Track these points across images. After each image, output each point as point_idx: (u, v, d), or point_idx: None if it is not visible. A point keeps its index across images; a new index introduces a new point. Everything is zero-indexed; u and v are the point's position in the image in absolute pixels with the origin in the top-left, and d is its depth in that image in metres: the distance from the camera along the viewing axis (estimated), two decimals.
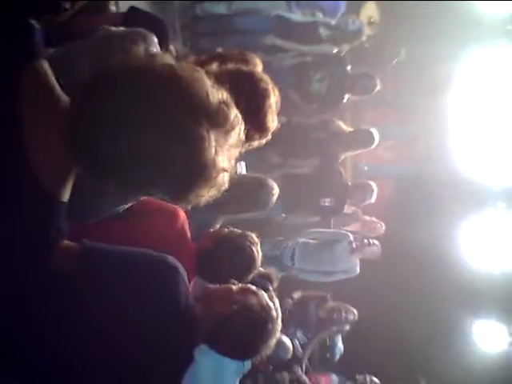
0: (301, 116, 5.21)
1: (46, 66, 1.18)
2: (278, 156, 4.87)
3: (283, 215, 5.02)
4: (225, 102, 1.09)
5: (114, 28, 2.09)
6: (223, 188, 1.14)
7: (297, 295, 5.29)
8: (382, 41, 6.20)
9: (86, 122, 1.07)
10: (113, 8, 3.02)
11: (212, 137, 1.06)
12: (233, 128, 1.09)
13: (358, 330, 5.22)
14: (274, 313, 1.62)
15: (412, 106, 6.68)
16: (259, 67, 2.68)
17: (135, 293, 1.41)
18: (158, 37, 2.26)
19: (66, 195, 1.20)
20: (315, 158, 4.99)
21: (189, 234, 2.26)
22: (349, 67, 5.29)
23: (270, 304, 1.62)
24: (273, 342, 1.62)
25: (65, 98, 1.17)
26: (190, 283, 1.63)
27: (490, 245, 5.91)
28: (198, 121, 1.05)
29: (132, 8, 2.69)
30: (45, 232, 1.18)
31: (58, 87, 1.18)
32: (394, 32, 6.31)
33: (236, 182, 3.72)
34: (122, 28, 2.09)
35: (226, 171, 1.11)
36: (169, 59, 1.10)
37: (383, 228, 5.40)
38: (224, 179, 1.12)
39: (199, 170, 1.07)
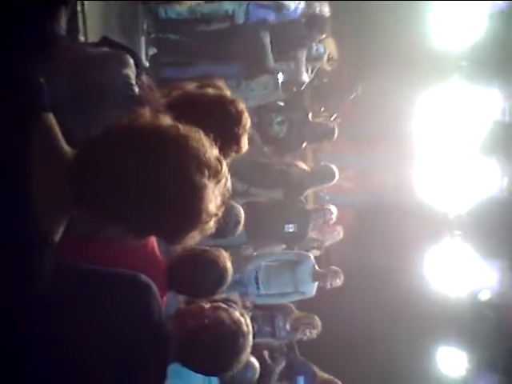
0: (263, 157, 5.40)
1: (52, 118, 1.28)
2: (242, 184, 5.00)
3: (248, 248, 5.10)
4: (218, 158, 1.26)
5: (90, 49, 2.14)
6: (210, 231, 1.28)
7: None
8: (340, 77, 6.45)
9: (97, 179, 1.21)
10: (81, 38, 3.09)
11: (210, 187, 1.22)
12: (223, 178, 1.26)
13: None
14: (245, 328, 1.68)
15: (369, 138, 6.91)
16: (228, 92, 2.81)
17: (108, 311, 1.45)
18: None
19: (58, 236, 1.28)
20: (278, 189, 5.17)
21: (158, 251, 2.30)
22: (310, 115, 5.54)
23: (241, 319, 1.68)
24: (244, 357, 1.67)
25: (67, 148, 1.28)
26: (162, 299, 1.67)
27: (447, 271, 6.07)
28: (202, 172, 1.21)
29: (104, 38, 2.76)
30: (33, 270, 1.25)
31: (62, 138, 1.29)
32: (352, 68, 6.58)
33: None
34: (98, 49, 2.15)
35: (216, 216, 1.26)
36: (169, 119, 1.25)
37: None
38: (212, 224, 1.27)
39: (196, 215, 1.22)
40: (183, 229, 1.25)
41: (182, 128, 1.24)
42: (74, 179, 1.22)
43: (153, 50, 5.23)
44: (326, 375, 5.14)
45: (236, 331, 1.65)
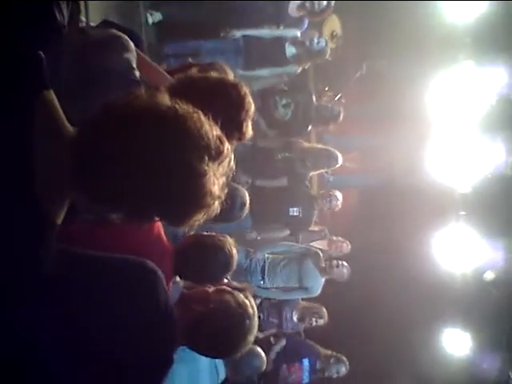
0: (266, 140, 5.36)
1: (53, 95, 1.26)
2: (246, 176, 4.98)
3: (253, 232, 5.09)
4: (219, 137, 1.24)
5: (91, 31, 2.12)
6: (215, 213, 1.27)
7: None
8: (344, 54, 6.37)
9: (96, 160, 1.19)
10: (83, 20, 3.06)
11: (211, 170, 1.20)
12: (225, 159, 1.24)
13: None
14: (251, 310, 1.69)
15: (374, 118, 6.85)
16: (230, 73, 2.79)
17: (115, 297, 1.45)
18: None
19: (60, 219, 1.27)
20: (283, 178, 5.13)
21: (164, 237, 2.30)
22: (314, 98, 5.46)
23: (246, 301, 1.68)
24: (251, 338, 1.68)
25: (68, 126, 1.27)
26: (168, 285, 1.67)
27: (452, 251, 6.05)
28: (201, 157, 1.19)
29: (105, 21, 2.74)
30: (34, 251, 1.24)
31: (63, 116, 1.27)
32: (356, 46, 6.49)
33: None
34: (99, 31, 2.12)
35: (220, 198, 1.25)
36: (168, 100, 1.22)
37: (349, 247, 5.53)
38: (217, 205, 1.26)
39: (200, 199, 1.21)
40: (186, 212, 1.24)
41: (181, 108, 1.21)
42: (74, 159, 1.20)
43: (158, 16, 5.16)
44: (329, 352, 5.17)
45: (242, 313, 1.67)
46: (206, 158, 1.18)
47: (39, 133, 1.19)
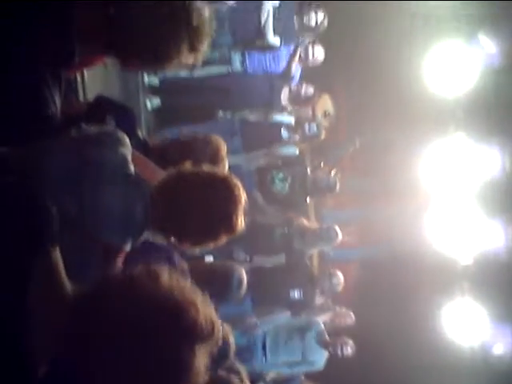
0: (264, 216, 5.39)
1: (57, 253, 1.28)
2: (245, 253, 4.96)
3: (253, 316, 5.01)
4: (212, 322, 1.24)
5: (86, 127, 2.14)
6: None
7: None
8: (337, 131, 6.49)
9: (91, 337, 1.18)
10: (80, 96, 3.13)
11: (200, 355, 1.21)
12: (213, 340, 1.25)
13: None
14: None
15: (370, 191, 6.89)
16: (223, 149, 2.82)
17: None
18: (126, 124, 2.34)
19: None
20: (281, 254, 5.11)
21: None
22: (309, 170, 5.55)
23: None
24: None
25: (68, 284, 1.28)
26: None
27: (459, 326, 5.94)
28: (192, 347, 1.20)
29: (99, 96, 2.78)
30: None
31: (64, 274, 1.28)
32: (349, 122, 6.63)
33: (206, 268, 3.71)
34: (94, 128, 2.14)
35: (203, 373, 1.23)
36: (168, 278, 1.22)
37: (353, 318, 5.44)
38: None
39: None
40: None
41: (180, 295, 1.21)
42: (71, 328, 1.20)
43: (156, 102, 5.29)
44: None
45: None
46: (197, 345, 1.20)
47: (37, 291, 1.21)
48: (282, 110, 5.56)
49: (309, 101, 5.62)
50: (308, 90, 5.59)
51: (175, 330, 1.18)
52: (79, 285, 1.29)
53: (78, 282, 1.33)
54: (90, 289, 1.24)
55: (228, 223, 1.88)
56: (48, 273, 1.23)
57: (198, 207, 1.86)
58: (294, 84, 5.59)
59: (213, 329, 1.23)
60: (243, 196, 1.93)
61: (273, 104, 5.51)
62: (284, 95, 5.47)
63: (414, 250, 6.35)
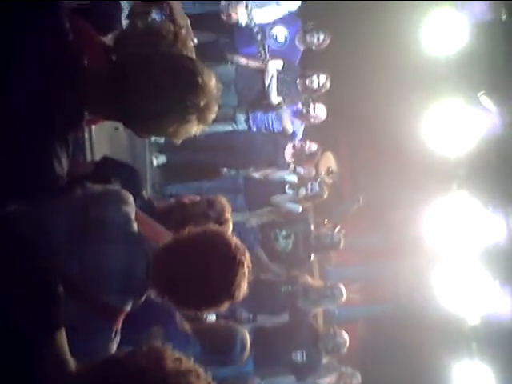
0: (268, 274, 5.38)
1: (62, 333, 1.31)
2: (248, 312, 4.91)
3: (255, 379, 4.91)
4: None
5: (91, 185, 2.17)
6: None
7: None
8: (341, 189, 6.54)
9: None
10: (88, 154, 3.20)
11: None
12: None
13: None
14: None
15: (375, 248, 6.87)
16: (228, 211, 2.83)
17: None
18: (131, 184, 2.37)
19: None
20: (285, 313, 5.06)
21: None
22: (312, 227, 5.58)
23: None
24: None
25: (73, 364, 1.31)
26: None
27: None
28: None
29: (105, 158, 2.83)
30: None
31: (69, 355, 1.31)
32: (352, 179, 6.68)
33: (209, 328, 3.64)
34: (99, 186, 2.18)
35: None
36: (171, 358, 1.21)
37: (359, 379, 5.32)
38: None
39: None
40: None
41: (184, 378, 1.19)
42: None
43: (162, 159, 5.37)
44: None
45: None
46: None
47: (43, 369, 1.25)
48: (287, 167, 5.64)
49: (312, 158, 5.70)
50: (311, 147, 5.68)
51: None
52: (81, 351, 1.29)
53: (79, 347, 1.32)
54: (93, 368, 1.23)
55: (229, 291, 1.85)
56: (53, 353, 1.26)
57: (198, 275, 1.83)
58: (297, 141, 5.69)
59: None
60: (246, 261, 1.89)
61: (277, 161, 5.59)
62: (288, 152, 5.55)
63: (420, 309, 6.27)
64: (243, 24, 5.17)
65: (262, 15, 5.30)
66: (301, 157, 5.64)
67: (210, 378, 1.24)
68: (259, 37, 5.02)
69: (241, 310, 4.83)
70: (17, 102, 1.75)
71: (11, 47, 1.68)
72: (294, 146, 5.61)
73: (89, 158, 3.61)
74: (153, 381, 1.16)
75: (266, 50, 5.21)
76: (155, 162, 5.34)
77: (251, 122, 5.53)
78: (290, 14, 5.49)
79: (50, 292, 1.29)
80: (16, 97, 1.75)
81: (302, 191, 5.46)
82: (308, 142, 5.69)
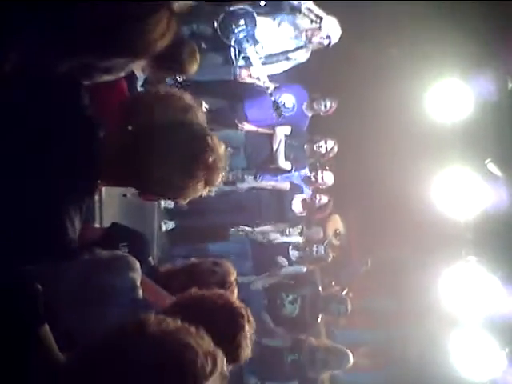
0: (273, 338, 5.34)
1: (47, 330, 1.33)
2: (256, 378, 4.85)
3: None
4: (211, 352, 1.23)
5: (99, 251, 2.22)
6: None
7: None
8: (348, 251, 6.54)
9: None
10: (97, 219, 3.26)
11: None
12: (221, 367, 1.25)
13: None
14: None
15: (381, 311, 6.79)
16: (233, 274, 2.85)
17: None
18: (138, 251, 2.42)
19: None
20: (293, 382, 4.99)
21: None
22: (320, 288, 5.57)
23: None
24: None
25: (60, 356, 1.33)
26: None
27: None
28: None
29: (114, 224, 2.89)
30: None
31: (56, 348, 1.33)
32: (360, 241, 6.69)
33: None
34: (106, 252, 2.22)
35: None
36: (156, 325, 1.24)
37: None
38: None
39: None
40: None
41: (172, 340, 1.20)
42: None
43: (171, 225, 5.44)
44: None
45: None
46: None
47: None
48: (297, 221, 5.64)
49: (324, 209, 5.69)
50: (322, 199, 5.70)
51: (176, 379, 1.16)
52: None
53: None
54: (79, 353, 1.25)
55: (231, 353, 1.83)
56: (39, 347, 1.27)
57: (209, 333, 1.85)
58: (308, 196, 5.72)
59: (215, 361, 1.21)
60: (249, 325, 1.93)
61: (286, 214, 5.62)
62: (298, 204, 5.58)
63: (430, 373, 6.14)
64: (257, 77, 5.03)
65: (272, 70, 5.33)
66: (312, 208, 5.65)
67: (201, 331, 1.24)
68: (272, 96, 5.02)
69: (248, 376, 4.77)
70: (37, 171, 1.84)
71: (35, 123, 1.78)
72: (304, 200, 5.64)
73: (98, 221, 3.67)
74: (141, 352, 1.17)
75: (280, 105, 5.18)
76: (164, 228, 5.44)
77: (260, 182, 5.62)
78: (298, 87, 5.60)
79: (28, 289, 1.32)
80: (36, 167, 1.83)
81: (307, 253, 5.45)
82: (318, 195, 5.71)
